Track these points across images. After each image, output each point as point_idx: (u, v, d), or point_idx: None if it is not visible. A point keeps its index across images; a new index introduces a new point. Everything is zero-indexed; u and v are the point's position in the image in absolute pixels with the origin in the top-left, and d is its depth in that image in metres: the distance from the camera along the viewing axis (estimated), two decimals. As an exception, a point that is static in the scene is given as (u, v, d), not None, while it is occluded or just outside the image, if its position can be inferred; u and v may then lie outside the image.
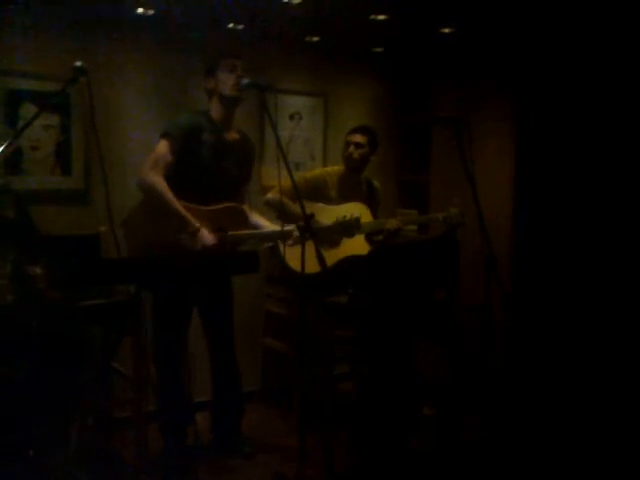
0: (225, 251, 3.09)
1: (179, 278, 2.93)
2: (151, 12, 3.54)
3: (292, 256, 3.46)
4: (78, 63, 2.62)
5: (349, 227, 3.61)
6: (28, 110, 3.46)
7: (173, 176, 3.08)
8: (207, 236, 3.06)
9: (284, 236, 3.17)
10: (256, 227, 3.30)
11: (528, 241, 4.18)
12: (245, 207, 3.31)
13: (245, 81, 3.04)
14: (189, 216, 3.05)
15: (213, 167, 3.18)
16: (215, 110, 3.23)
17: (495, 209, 3.97)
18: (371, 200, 3.88)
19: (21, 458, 2.51)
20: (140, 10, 3.52)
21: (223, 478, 3.26)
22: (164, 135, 3.11)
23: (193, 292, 3.24)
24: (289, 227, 3.17)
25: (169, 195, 3.03)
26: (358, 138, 3.77)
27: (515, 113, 4.19)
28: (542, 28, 3.85)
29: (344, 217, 3.64)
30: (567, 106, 4.04)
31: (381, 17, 3.72)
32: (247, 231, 3.21)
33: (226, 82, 3.17)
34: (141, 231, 3.10)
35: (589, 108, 3.94)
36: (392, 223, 3.69)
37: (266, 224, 3.33)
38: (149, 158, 3.08)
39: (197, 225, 3.04)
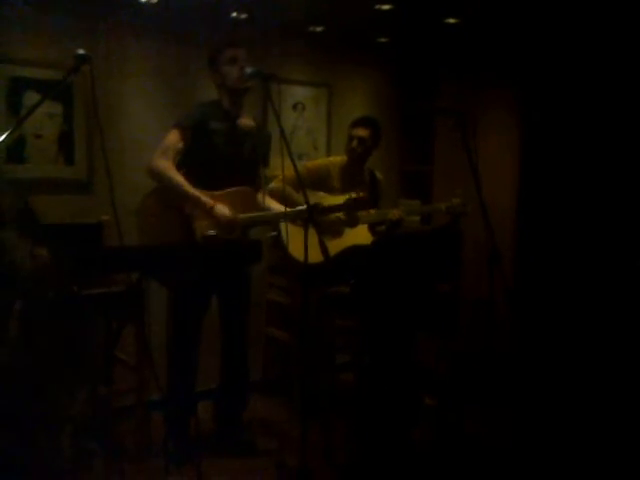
0: (233, 236, 3.10)
1: (189, 269, 2.95)
2: (155, 0, 3.53)
3: (295, 246, 3.45)
4: (81, 51, 2.60)
5: (360, 203, 3.54)
6: (31, 98, 3.45)
7: (190, 166, 3.12)
8: (223, 210, 3.08)
9: (296, 216, 3.16)
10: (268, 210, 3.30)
11: (531, 233, 4.18)
12: (261, 191, 3.31)
13: (248, 70, 3.03)
14: (202, 195, 3.07)
15: (228, 154, 3.20)
16: (225, 99, 3.24)
17: (498, 201, 3.96)
18: (373, 191, 3.88)
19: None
20: (144, -2, 3.52)
21: (224, 468, 3.27)
22: (174, 125, 3.15)
23: (208, 282, 3.24)
24: (299, 207, 3.15)
25: (179, 178, 3.06)
26: (361, 132, 3.75)
27: (519, 105, 4.17)
28: (547, 21, 3.83)
29: (357, 194, 3.57)
30: (571, 99, 4.02)
31: (386, 7, 3.70)
32: (257, 213, 3.21)
33: (230, 75, 3.16)
34: (153, 220, 3.11)
35: (593, 101, 3.92)
36: (394, 213, 3.68)
37: (278, 207, 3.30)
38: (159, 147, 3.11)
39: (210, 202, 3.06)
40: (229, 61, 3.16)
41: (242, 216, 3.13)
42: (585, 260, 3.96)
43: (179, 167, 3.13)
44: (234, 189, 3.18)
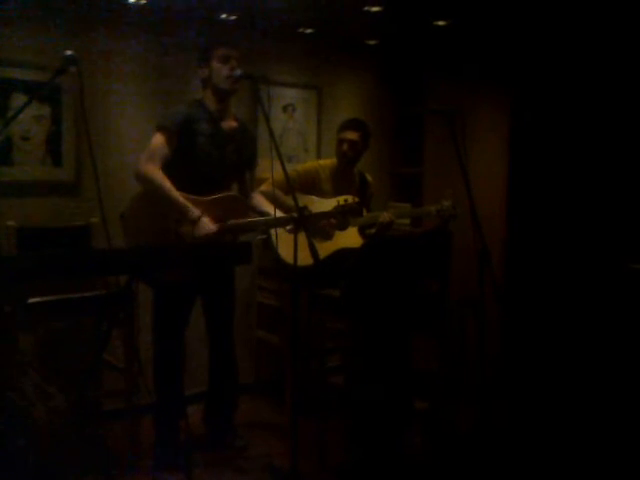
0: (225, 241, 3.07)
1: (176, 269, 2.94)
2: (144, 1, 3.52)
3: (285, 248, 3.45)
4: (68, 52, 2.57)
5: (350, 210, 3.51)
6: (19, 100, 3.42)
7: (173, 168, 3.06)
8: (208, 224, 3.04)
9: (284, 222, 3.14)
10: (260, 214, 3.28)
11: (521, 234, 4.19)
12: (254, 195, 3.35)
13: (238, 72, 3.01)
14: (189, 205, 3.02)
15: (212, 156, 3.15)
16: (209, 99, 3.19)
17: (488, 201, 3.97)
18: (364, 193, 3.87)
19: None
20: (132, -1, 3.50)
21: (215, 471, 3.25)
22: (159, 128, 3.08)
23: (194, 283, 3.21)
24: (286, 216, 3.13)
25: (168, 185, 3.00)
26: (351, 135, 3.72)
27: (509, 106, 4.18)
28: (537, 20, 3.84)
29: (345, 200, 3.55)
30: (561, 99, 4.03)
31: (375, 9, 3.70)
32: (247, 219, 3.19)
33: (220, 73, 3.11)
34: (140, 223, 3.07)
35: (583, 101, 3.94)
36: (385, 216, 3.67)
37: (271, 211, 3.27)
38: (145, 151, 3.05)
39: (197, 213, 3.03)
40: (221, 59, 3.11)
41: (228, 223, 3.09)
42: (574, 260, 3.97)
43: (162, 169, 3.05)
44: (221, 195, 3.13)
